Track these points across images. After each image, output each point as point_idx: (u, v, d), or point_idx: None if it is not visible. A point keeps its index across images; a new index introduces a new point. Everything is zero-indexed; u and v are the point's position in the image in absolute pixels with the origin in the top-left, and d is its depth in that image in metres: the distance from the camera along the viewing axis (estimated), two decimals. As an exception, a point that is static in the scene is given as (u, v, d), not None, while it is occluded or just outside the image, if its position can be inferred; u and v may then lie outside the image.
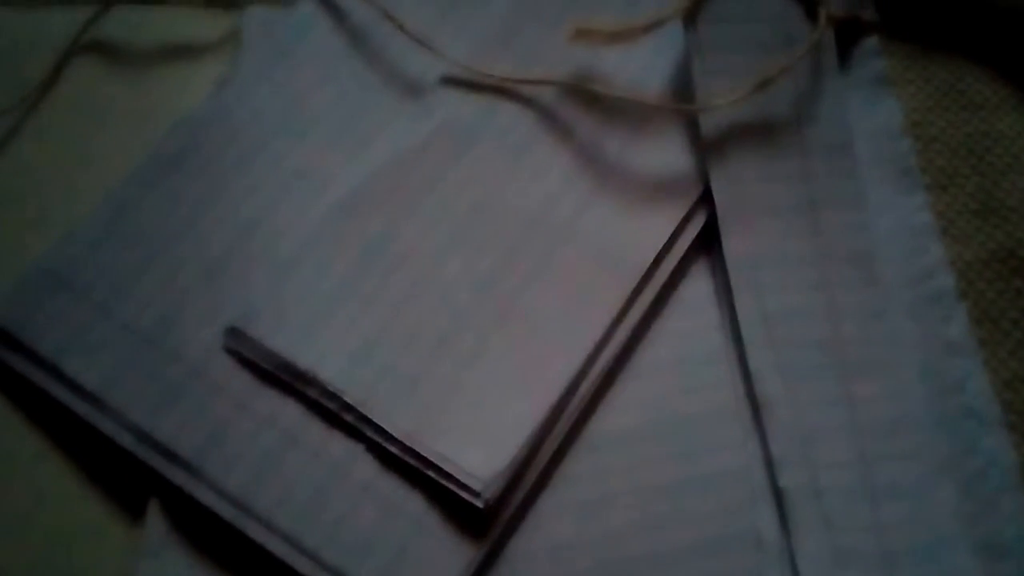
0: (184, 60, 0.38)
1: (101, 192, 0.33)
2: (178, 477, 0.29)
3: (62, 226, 0.33)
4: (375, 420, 0.29)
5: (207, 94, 0.36)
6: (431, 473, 0.29)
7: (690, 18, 0.34)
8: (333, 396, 0.30)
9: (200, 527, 0.29)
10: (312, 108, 0.35)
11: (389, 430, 0.29)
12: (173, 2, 0.39)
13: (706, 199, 0.34)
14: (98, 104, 0.37)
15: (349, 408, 0.29)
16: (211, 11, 0.38)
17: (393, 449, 0.29)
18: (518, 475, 0.29)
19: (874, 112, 0.36)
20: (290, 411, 0.30)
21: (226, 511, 0.29)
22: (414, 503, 0.29)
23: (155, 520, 0.29)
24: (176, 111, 0.35)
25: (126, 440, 0.29)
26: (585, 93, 0.34)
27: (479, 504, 0.28)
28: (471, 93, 0.35)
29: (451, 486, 0.28)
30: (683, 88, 0.35)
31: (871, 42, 0.37)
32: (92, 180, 0.34)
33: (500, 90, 0.35)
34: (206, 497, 0.29)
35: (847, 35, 0.37)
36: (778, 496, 0.30)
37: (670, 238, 0.33)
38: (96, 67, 0.37)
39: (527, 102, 0.35)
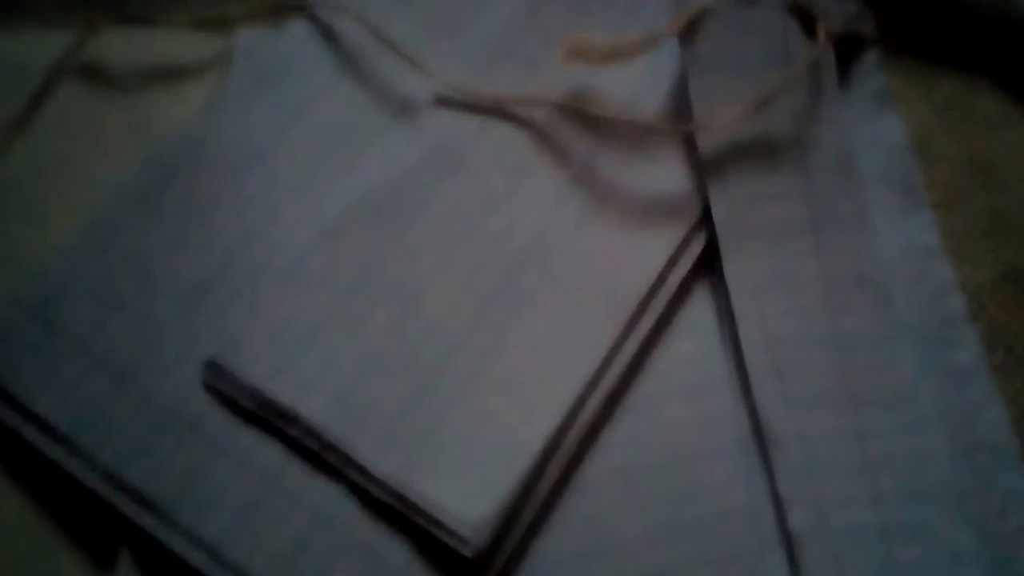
0: (173, 82, 0.35)
1: (86, 219, 0.31)
2: (149, 523, 0.26)
3: (50, 247, 0.30)
4: (358, 461, 0.26)
5: (194, 115, 0.33)
6: (416, 518, 0.26)
7: (686, 36, 0.31)
8: (315, 434, 0.27)
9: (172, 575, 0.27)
10: (301, 131, 0.32)
11: (372, 471, 0.26)
12: (162, 25, 0.36)
13: (706, 220, 0.31)
14: (87, 126, 0.34)
15: (331, 447, 0.27)
16: (201, 33, 0.36)
17: (376, 492, 0.26)
18: (510, 520, 0.26)
19: (876, 129, 0.33)
20: (269, 452, 0.27)
21: (199, 561, 0.26)
22: (398, 552, 0.26)
23: (126, 570, 0.27)
24: (165, 133, 0.33)
25: (96, 484, 0.27)
26: (580, 113, 0.32)
27: (467, 553, 0.25)
28: (463, 114, 0.32)
29: (438, 533, 0.26)
30: (680, 107, 0.32)
31: (871, 57, 0.34)
32: (80, 202, 0.32)
33: (493, 111, 0.32)
34: (179, 546, 0.26)
35: (847, 51, 0.34)
36: (788, 537, 0.27)
37: (668, 262, 0.30)
38: (85, 90, 0.35)
39: (520, 123, 0.32)
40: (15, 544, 0.28)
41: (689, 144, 0.32)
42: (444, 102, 0.32)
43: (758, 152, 0.31)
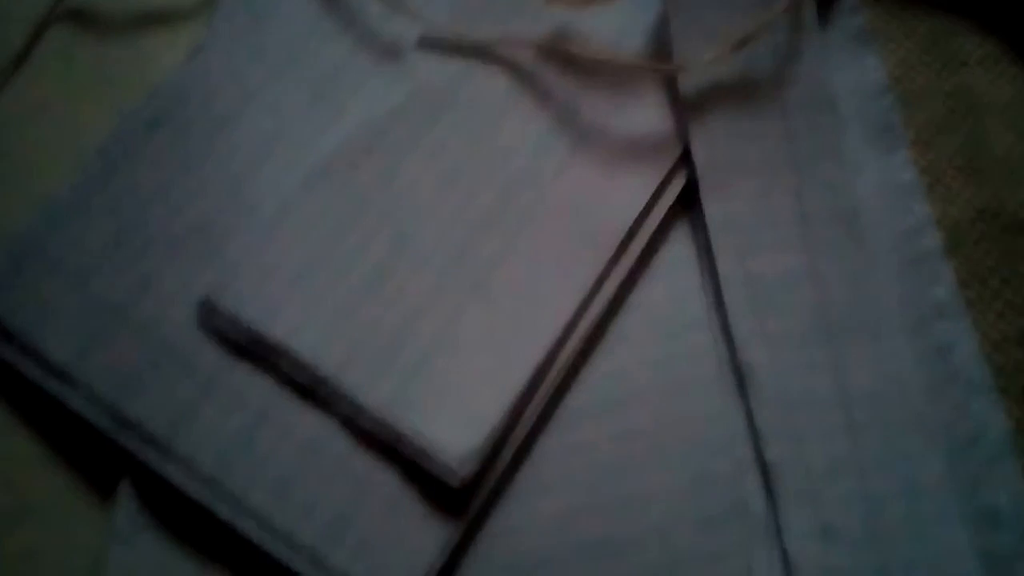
0: (161, 27, 0.35)
1: (80, 159, 0.31)
2: (148, 456, 0.27)
3: (40, 194, 0.30)
4: (348, 394, 0.27)
5: (183, 60, 0.33)
6: (405, 449, 0.26)
7: None
8: (305, 368, 0.27)
9: (171, 507, 0.27)
10: (287, 75, 0.32)
11: (362, 404, 0.27)
12: None
13: (686, 160, 0.31)
14: (76, 72, 0.34)
15: (322, 381, 0.27)
16: None
17: (366, 424, 0.27)
18: (496, 450, 0.27)
19: (856, 68, 0.33)
20: (262, 387, 0.27)
21: (196, 491, 0.26)
22: (389, 481, 0.27)
23: (125, 502, 0.27)
24: (154, 78, 0.33)
25: (96, 417, 0.27)
26: (562, 55, 0.32)
27: (455, 482, 0.26)
28: (448, 56, 0.32)
29: (426, 463, 0.26)
30: (661, 48, 0.32)
31: None
32: (71, 148, 0.32)
33: (477, 53, 0.32)
34: (176, 476, 0.27)
35: None
36: (764, 468, 0.28)
37: (649, 201, 0.30)
38: (74, 35, 0.35)
39: (504, 64, 0.32)
40: (20, 476, 0.28)
41: (670, 84, 0.32)
42: (428, 45, 0.32)
43: (738, 91, 0.31)
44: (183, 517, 0.27)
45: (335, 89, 0.32)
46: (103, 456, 0.28)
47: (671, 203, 0.31)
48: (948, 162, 0.32)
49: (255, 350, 0.28)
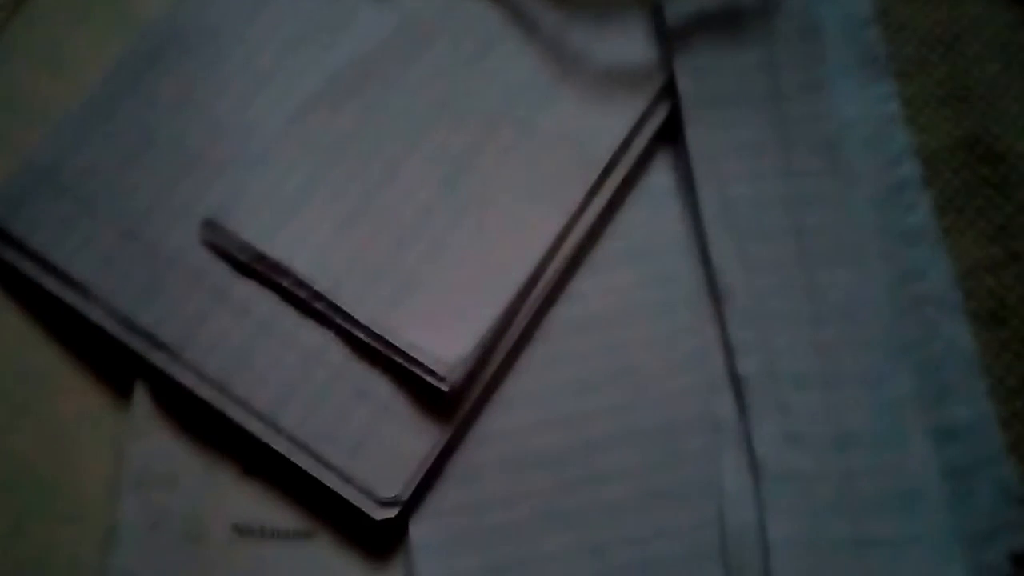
0: None
1: (79, 95, 0.32)
2: (161, 361, 0.29)
3: (44, 128, 0.32)
4: (344, 308, 0.29)
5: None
6: (398, 358, 0.28)
7: None
8: (304, 285, 0.29)
9: (184, 409, 0.29)
10: (278, 8, 0.33)
11: (357, 317, 0.29)
12: None
13: (669, 90, 0.32)
14: (73, 10, 0.35)
15: (319, 296, 0.29)
16: None
17: (361, 335, 0.29)
18: (482, 360, 0.29)
19: (841, 0, 0.34)
20: (264, 300, 0.29)
21: (207, 393, 0.29)
22: (382, 387, 0.29)
23: (141, 401, 0.29)
24: (149, 13, 0.34)
25: (112, 327, 0.29)
26: None
27: (444, 388, 0.28)
28: None
29: (417, 370, 0.28)
30: None
31: None
32: (70, 83, 0.33)
33: None
34: (188, 380, 0.29)
35: None
36: (736, 381, 0.29)
37: (632, 129, 0.32)
38: None
39: None
40: (42, 379, 0.30)
41: (655, 15, 0.32)
42: None
43: (723, 22, 0.32)
44: (194, 418, 0.29)
45: (327, 20, 0.33)
46: (120, 358, 0.30)
47: (654, 132, 0.32)
48: (930, 94, 0.33)
49: (257, 267, 0.29)
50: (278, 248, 0.29)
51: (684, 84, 0.32)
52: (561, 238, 0.30)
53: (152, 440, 0.29)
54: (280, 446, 0.28)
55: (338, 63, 0.32)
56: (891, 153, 0.32)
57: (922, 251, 0.31)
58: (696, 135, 0.31)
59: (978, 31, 0.34)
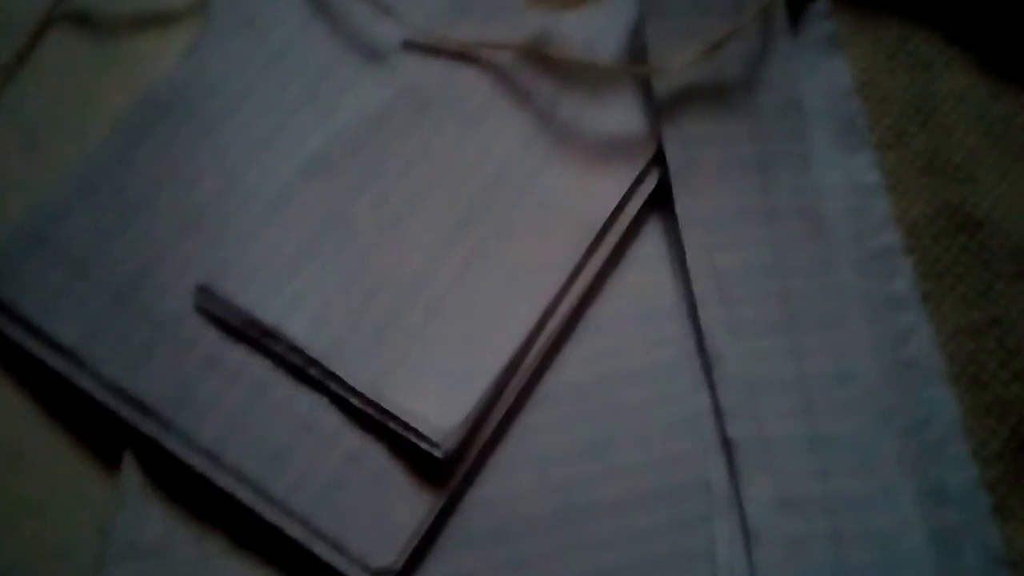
0: (157, 29, 0.37)
1: (78, 158, 0.32)
2: (151, 429, 0.29)
3: (41, 191, 0.32)
4: (338, 373, 0.29)
5: (178, 61, 0.35)
6: (392, 425, 0.28)
7: None
8: (298, 351, 0.29)
9: (174, 478, 0.29)
10: (277, 74, 0.34)
11: (352, 383, 0.29)
12: None
13: (659, 159, 0.33)
14: (75, 73, 0.36)
15: (313, 362, 0.29)
16: None
17: (356, 402, 0.29)
18: (476, 426, 0.29)
19: (824, 72, 0.35)
20: (258, 366, 0.29)
21: (197, 462, 0.28)
22: (376, 454, 0.29)
23: (130, 471, 0.29)
24: (150, 79, 0.34)
25: (101, 394, 0.29)
26: (542, 57, 0.34)
27: (438, 455, 0.28)
28: (432, 58, 0.34)
29: (411, 437, 0.28)
30: (637, 51, 0.34)
31: (821, 5, 0.36)
32: (69, 146, 0.34)
33: (460, 55, 0.34)
34: (178, 449, 0.28)
35: None
36: (727, 446, 0.30)
37: (624, 197, 0.32)
38: (72, 38, 0.36)
39: (486, 66, 0.34)
40: (31, 449, 0.30)
41: (645, 86, 0.33)
42: (413, 47, 0.34)
43: (710, 94, 0.33)
44: (184, 487, 0.29)
45: (326, 88, 0.34)
46: (109, 428, 0.29)
47: (644, 200, 0.33)
48: (910, 163, 0.34)
49: (250, 333, 0.29)
50: (272, 313, 0.29)
51: (672, 153, 0.32)
52: (555, 303, 0.31)
53: (141, 510, 0.28)
54: (271, 516, 0.28)
55: (336, 130, 0.32)
56: (873, 221, 0.33)
57: (905, 316, 0.31)
58: (685, 203, 0.32)
59: (956, 103, 0.35)
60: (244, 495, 0.28)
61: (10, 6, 0.36)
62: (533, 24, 0.34)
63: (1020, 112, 0.35)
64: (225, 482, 0.28)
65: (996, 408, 0.31)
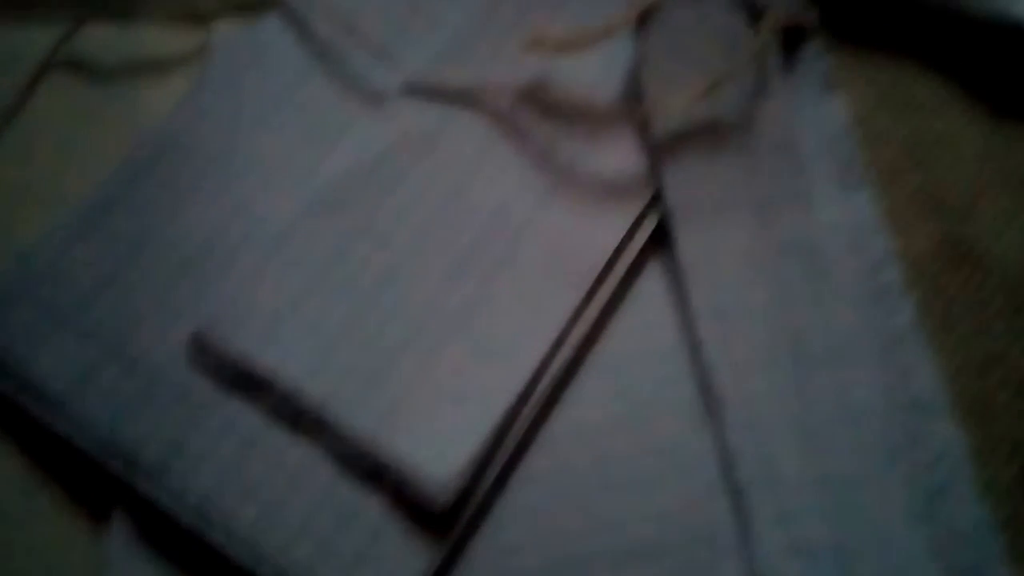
0: (156, 75, 0.36)
1: (74, 203, 0.32)
2: (140, 484, 0.28)
3: (33, 238, 0.31)
4: (333, 424, 0.28)
5: (175, 106, 0.34)
6: (388, 476, 0.27)
7: (640, 27, 0.33)
8: (291, 401, 0.28)
9: (164, 535, 0.28)
10: (275, 119, 0.34)
11: (346, 434, 0.28)
12: (143, 19, 0.37)
13: (658, 200, 0.33)
14: (72, 119, 0.35)
15: (307, 413, 0.28)
16: (181, 28, 0.37)
17: (351, 453, 0.28)
18: (476, 476, 0.28)
19: (820, 112, 0.35)
20: (252, 417, 0.28)
21: (187, 518, 0.27)
22: (373, 507, 0.28)
23: (119, 528, 0.28)
24: (147, 123, 0.34)
25: (89, 447, 0.28)
26: (540, 100, 0.33)
27: (436, 508, 0.27)
28: (430, 102, 0.33)
29: (408, 490, 0.27)
30: (635, 94, 0.34)
31: (815, 46, 0.36)
32: (65, 193, 0.33)
33: (458, 99, 0.33)
34: (168, 504, 0.27)
35: (792, 41, 0.35)
36: (734, 489, 0.29)
37: (624, 238, 0.32)
38: (70, 84, 0.36)
39: (484, 110, 0.33)
40: (14, 505, 0.29)
41: (643, 129, 0.33)
42: (412, 90, 0.33)
43: (707, 135, 0.33)
44: (176, 542, 0.28)
45: (323, 133, 0.33)
46: (96, 483, 0.29)
47: (644, 241, 0.32)
48: (908, 200, 0.33)
49: (243, 383, 0.29)
50: (264, 363, 0.28)
51: (672, 194, 0.32)
52: (555, 348, 0.30)
53: (130, 567, 0.27)
54: (266, 574, 0.27)
55: (333, 174, 0.32)
56: (873, 258, 0.32)
57: (907, 354, 0.31)
58: (685, 243, 0.32)
59: (952, 140, 0.34)
60: (237, 551, 0.27)
61: (7, 52, 0.36)
62: (531, 68, 0.33)
63: (1016, 148, 0.35)
64: (216, 538, 0.27)
65: (1004, 446, 0.30)
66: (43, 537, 0.29)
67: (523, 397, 0.29)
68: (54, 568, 0.28)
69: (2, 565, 0.28)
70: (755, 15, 0.34)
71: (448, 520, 0.28)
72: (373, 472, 0.28)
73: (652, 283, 0.32)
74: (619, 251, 0.32)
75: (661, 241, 0.33)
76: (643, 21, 0.33)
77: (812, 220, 0.32)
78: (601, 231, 0.32)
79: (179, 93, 0.35)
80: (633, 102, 0.33)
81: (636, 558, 0.28)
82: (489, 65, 0.34)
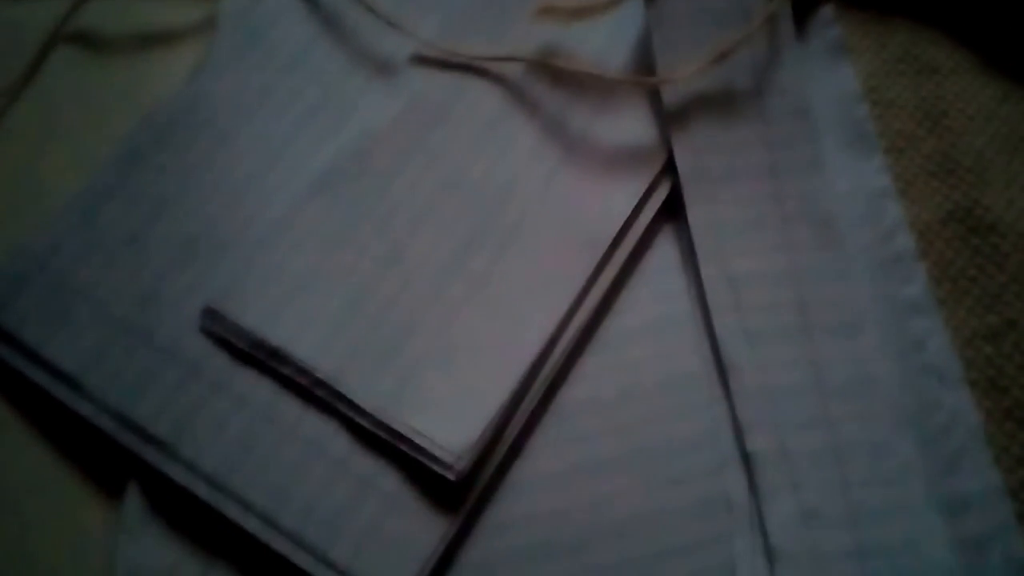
0: (163, 48, 0.35)
1: (84, 177, 0.31)
2: (154, 458, 0.27)
3: (44, 213, 0.30)
4: (347, 395, 0.27)
5: (185, 79, 0.33)
6: (403, 447, 0.27)
7: None
8: (306, 372, 0.27)
9: (178, 507, 0.27)
10: (285, 91, 0.32)
11: (361, 405, 0.27)
12: None
13: (670, 168, 0.31)
14: (80, 93, 0.34)
15: (321, 384, 0.27)
16: (187, 0, 0.36)
17: (365, 424, 0.27)
18: (490, 446, 0.27)
19: (831, 79, 0.33)
20: (264, 390, 0.28)
21: (201, 490, 0.27)
22: (387, 478, 0.27)
23: (133, 501, 0.27)
24: (156, 98, 0.33)
25: (104, 422, 0.27)
26: (551, 69, 0.32)
27: (451, 477, 0.26)
28: (440, 71, 0.32)
29: (423, 459, 0.26)
30: (645, 62, 0.32)
31: (826, 11, 0.35)
32: (76, 165, 0.32)
33: (468, 68, 0.32)
34: (182, 477, 0.27)
35: (803, 6, 0.34)
36: (746, 459, 0.28)
37: (635, 208, 0.31)
38: (77, 57, 0.35)
39: (494, 79, 0.32)
40: (30, 478, 0.28)
41: (654, 96, 0.32)
42: (421, 60, 0.32)
43: (719, 102, 0.32)
44: (189, 515, 0.27)
45: (333, 103, 0.32)
46: (111, 457, 0.28)
47: (656, 210, 0.31)
48: (920, 167, 0.32)
49: (257, 355, 0.28)
50: (278, 334, 0.27)
51: (683, 163, 0.31)
52: (568, 318, 0.29)
53: (145, 542, 0.27)
54: (280, 546, 0.26)
55: (344, 145, 0.31)
56: (885, 226, 0.31)
57: (920, 322, 0.30)
58: (696, 212, 0.31)
59: (964, 106, 0.33)
60: (250, 524, 0.26)
61: (15, 26, 0.35)
62: (541, 36, 0.32)
63: (1029, 114, 0.34)
64: (230, 511, 0.26)
65: (1016, 413, 0.29)
66: (59, 510, 0.28)
67: (536, 367, 0.28)
68: (70, 540, 0.28)
69: (19, 537, 0.28)
70: (767, -19, 0.33)
71: (462, 490, 0.27)
72: (387, 443, 0.27)
73: (664, 252, 0.31)
74: (631, 221, 0.31)
75: (673, 210, 0.32)
76: (653, -12, 0.32)
77: (825, 188, 0.31)
78: (612, 201, 0.30)
79: (186, 65, 0.34)
80: (644, 70, 0.32)
81: (651, 527, 0.27)
82: (499, 35, 0.33)
